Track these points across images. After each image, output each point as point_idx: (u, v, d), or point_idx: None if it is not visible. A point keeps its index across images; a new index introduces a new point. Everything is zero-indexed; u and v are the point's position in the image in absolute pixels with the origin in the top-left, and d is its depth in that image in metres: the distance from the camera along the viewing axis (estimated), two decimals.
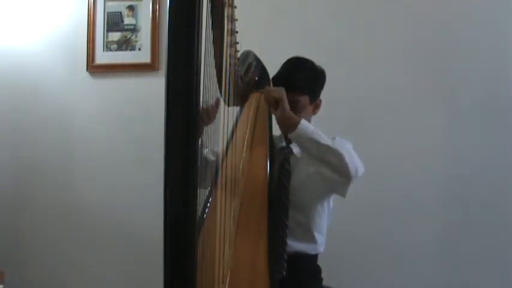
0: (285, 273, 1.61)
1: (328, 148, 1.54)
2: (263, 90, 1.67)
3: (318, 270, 1.82)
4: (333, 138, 1.76)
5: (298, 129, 1.56)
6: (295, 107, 1.70)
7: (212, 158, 1.58)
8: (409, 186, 2.56)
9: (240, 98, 1.67)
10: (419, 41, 2.58)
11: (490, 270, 2.50)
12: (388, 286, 2.56)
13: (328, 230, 1.82)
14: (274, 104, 1.61)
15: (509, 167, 2.52)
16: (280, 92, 1.60)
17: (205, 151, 1.57)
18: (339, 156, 1.53)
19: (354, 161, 1.56)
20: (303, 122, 1.58)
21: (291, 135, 1.60)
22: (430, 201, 2.55)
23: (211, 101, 1.34)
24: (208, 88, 1.10)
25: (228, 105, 1.44)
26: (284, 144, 1.83)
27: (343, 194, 1.64)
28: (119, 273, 2.72)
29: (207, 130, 1.15)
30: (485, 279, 2.49)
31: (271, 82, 1.79)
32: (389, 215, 2.54)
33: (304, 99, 1.72)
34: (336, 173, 1.57)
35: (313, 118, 1.83)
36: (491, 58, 2.54)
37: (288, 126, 1.60)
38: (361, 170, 1.58)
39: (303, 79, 1.72)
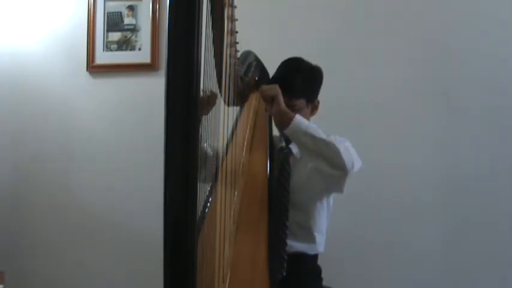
0: (285, 273, 1.61)
1: (323, 142, 1.54)
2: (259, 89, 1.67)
3: (318, 270, 1.82)
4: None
5: (292, 123, 1.56)
6: (292, 111, 1.70)
7: (211, 152, 1.58)
8: (409, 187, 2.56)
9: (240, 98, 1.66)
10: (419, 41, 2.58)
11: (490, 271, 2.50)
12: (388, 287, 2.56)
13: (328, 231, 1.82)
14: (270, 102, 1.61)
15: (510, 167, 2.52)
16: (275, 90, 1.61)
17: (205, 145, 1.56)
18: (334, 149, 1.53)
19: (350, 155, 1.56)
20: (298, 117, 1.58)
21: (286, 131, 1.60)
22: (430, 201, 2.55)
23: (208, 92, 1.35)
24: (207, 88, 1.10)
25: (228, 105, 1.43)
26: (284, 144, 1.83)
27: (341, 189, 1.63)
28: (119, 274, 2.72)
29: (207, 128, 1.14)
30: (485, 280, 2.50)
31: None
32: (389, 216, 2.54)
33: (301, 102, 1.73)
34: (332, 167, 1.56)
35: (313, 119, 1.84)
36: (491, 58, 2.54)
37: (283, 122, 1.60)
38: (357, 164, 1.58)
39: (299, 83, 1.71)
